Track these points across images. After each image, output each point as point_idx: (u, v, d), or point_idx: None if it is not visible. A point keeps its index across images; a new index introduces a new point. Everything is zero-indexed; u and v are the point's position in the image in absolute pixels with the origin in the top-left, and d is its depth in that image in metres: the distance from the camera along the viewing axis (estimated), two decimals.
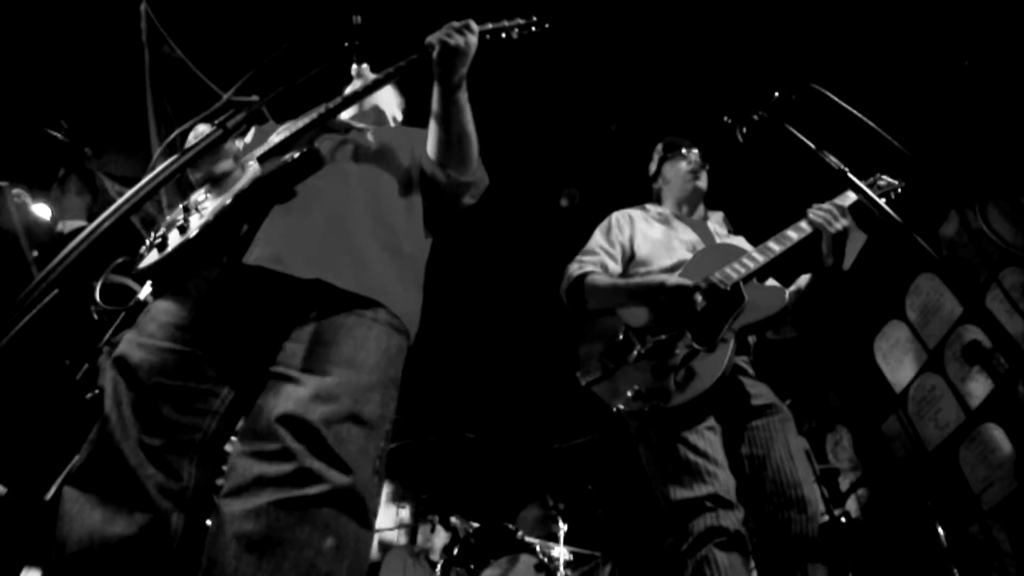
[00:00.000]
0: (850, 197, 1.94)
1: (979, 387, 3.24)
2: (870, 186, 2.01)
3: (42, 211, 3.66)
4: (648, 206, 2.29)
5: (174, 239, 1.21)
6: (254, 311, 1.16)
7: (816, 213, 1.87)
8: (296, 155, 1.27)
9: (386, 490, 5.44)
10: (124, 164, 3.73)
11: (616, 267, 2.05)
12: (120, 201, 0.86)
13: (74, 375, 2.27)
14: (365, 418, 1.04)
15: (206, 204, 1.26)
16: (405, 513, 5.37)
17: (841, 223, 1.82)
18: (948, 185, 3.39)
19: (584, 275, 1.98)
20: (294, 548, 0.88)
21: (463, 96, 1.43)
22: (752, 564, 1.69)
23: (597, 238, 2.15)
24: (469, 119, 1.46)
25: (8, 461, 2.36)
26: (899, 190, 2.03)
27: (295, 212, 1.24)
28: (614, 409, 1.63)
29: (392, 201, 1.39)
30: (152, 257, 1.21)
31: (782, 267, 1.94)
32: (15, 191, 3.50)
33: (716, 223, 2.25)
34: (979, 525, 3.16)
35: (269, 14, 3.33)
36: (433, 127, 1.47)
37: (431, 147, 1.49)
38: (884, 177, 2.05)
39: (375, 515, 1.02)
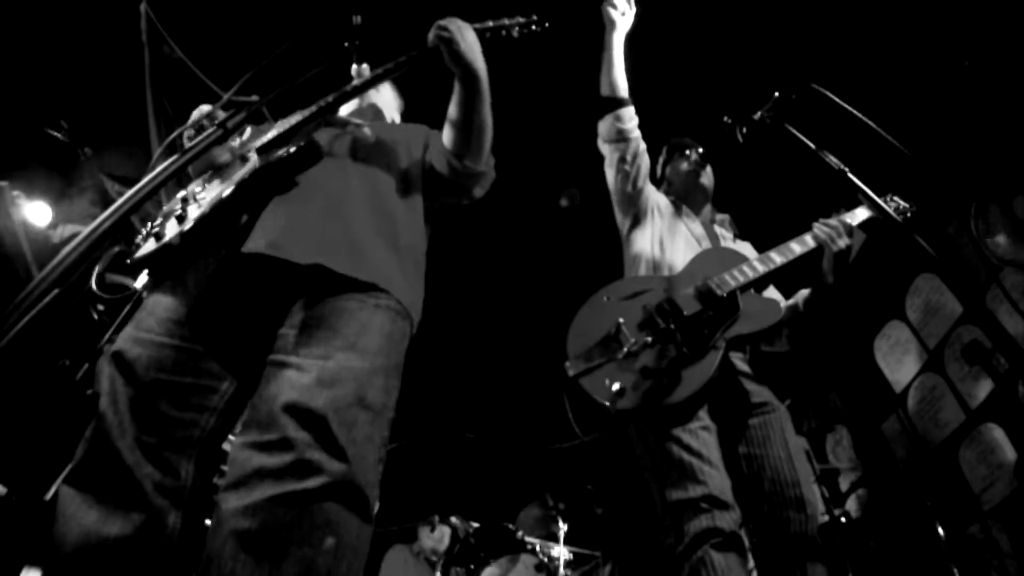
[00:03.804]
0: (859, 216, 1.91)
1: (979, 387, 3.24)
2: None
3: (40, 210, 3.66)
4: None
5: (171, 229, 1.19)
6: (253, 301, 1.15)
7: (821, 228, 1.84)
8: (294, 147, 1.26)
9: None
10: (124, 164, 3.72)
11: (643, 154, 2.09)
12: (120, 201, 0.85)
13: (74, 375, 2.26)
14: (369, 403, 1.02)
15: (204, 195, 1.24)
16: None
17: (845, 241, 1.79)
18: (948, 185, 3.39)
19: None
20: (293, 547, 0.86)
21: (483, 85, 1.43)
22: (751, 564, 1.68)
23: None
24: (489, 108, 1.46)
25: (8, 461, 2.35)
26: (908, 214, 2.00)
27: (294, 202, 1.23)
28: (600, 403, 1.61)
29: (390, 193, 1.39)
30: (149, 247, 1.19)
31: (784, 277, 1.92)
32: (14, 192, 3.50)
33: (722, 226, 2.24)
34: (979, 525, 3.16)
35: (269, 14, 3.33)
36: (452, 117, 1.47)
37: (448, 137, 1.48)
38: (896, 198, 2.02)
39: (375, 506, 1.00)
